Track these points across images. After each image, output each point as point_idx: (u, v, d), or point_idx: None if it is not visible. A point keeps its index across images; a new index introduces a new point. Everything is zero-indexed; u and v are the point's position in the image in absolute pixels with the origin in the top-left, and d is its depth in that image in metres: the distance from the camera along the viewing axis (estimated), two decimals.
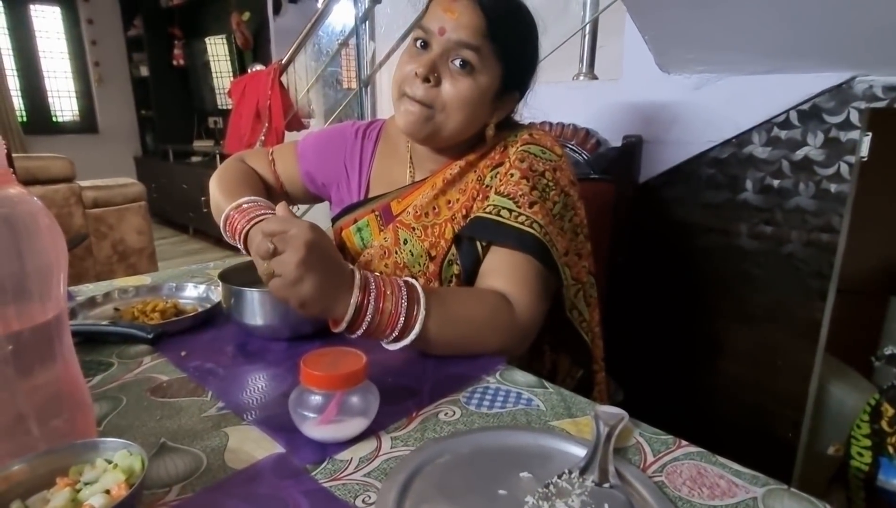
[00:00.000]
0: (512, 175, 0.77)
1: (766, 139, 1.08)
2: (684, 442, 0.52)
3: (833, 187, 1.02)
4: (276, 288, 0.59)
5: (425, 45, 0.77)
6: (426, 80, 0.75)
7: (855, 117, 0.98)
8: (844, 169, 1.00)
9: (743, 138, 1.11)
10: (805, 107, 1.03)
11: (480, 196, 0.81)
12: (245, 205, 0.80)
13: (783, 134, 1.06)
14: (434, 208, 0.83)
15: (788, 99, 1.05)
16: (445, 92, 0.76)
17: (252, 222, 0.78)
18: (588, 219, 0.86)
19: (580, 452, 0.49)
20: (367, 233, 0.89)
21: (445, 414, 0.56)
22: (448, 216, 0.82)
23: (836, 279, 1.07)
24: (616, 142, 1.25)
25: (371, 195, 0.92)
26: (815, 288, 1.08)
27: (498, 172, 0.80)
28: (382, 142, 0.95)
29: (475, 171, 0.83)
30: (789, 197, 1.07)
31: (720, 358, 1.22)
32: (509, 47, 0.76)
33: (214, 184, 0.91)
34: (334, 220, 0.94)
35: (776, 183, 1.08)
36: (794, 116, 1.05)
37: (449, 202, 0.83)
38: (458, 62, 0.75)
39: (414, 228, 0.83)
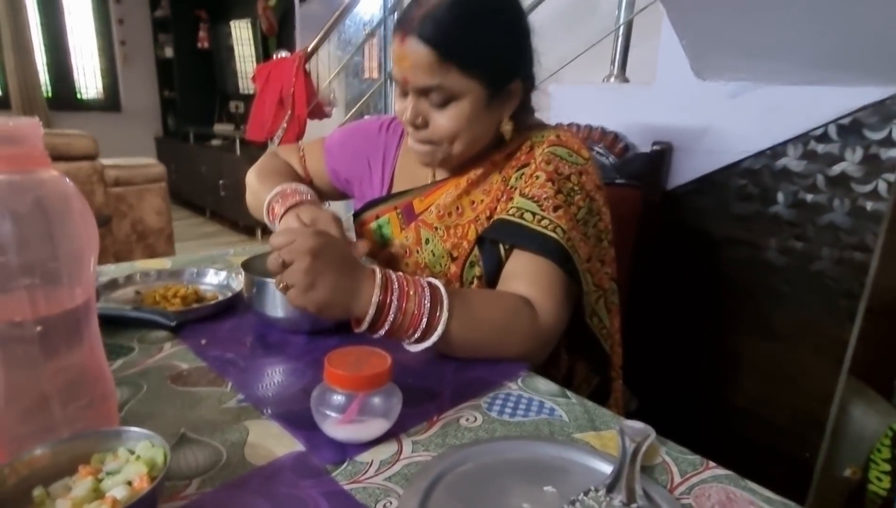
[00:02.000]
0: (537, 177, 0.76)
1: (802, 152, 1.05)
2: (712, 464, 0.50)
3: (869, 205, 0.99)
4: (292, 299, 0.59)
5: (404, 89, 0.75)
6: (415, 125, 0.75)
7: None
8: (882, 187, 0.97)
9: (777, 150, 1.08)
10: (845, 121, 1.00)
11: (505, 197, 0.79)
12: (287, 190, 0.82)
13: (820, 148, 1.03)
14: (458, 208, 0.82)
15: (828, 112, 1.02)
16: (437, 127, 0.74)
17: (287, 207, 0.80)
18: (612, 224, 0.84)
19: (605, 468, 0.48)
20: (388, 231, 0.88)
21: (467, 420, 0.55)
22: (472, 217, 0.81)
23: (866, 299, 1.04)
24: (645, 147, 1.22)
25: (394, 191, 0.91)
26: (843, 307, 1.05)
27: (523, 173, 0.78)
28: (406, 138, 0.94)
29: (500, 172, 0.81)
30: (823, 212, 1.04)
31: (740, 373, 1.20)
32: (476, 57, 0.71)
33: (253, 178, 0.93)
34: (356, 215, 0.93)
35: (810, 197, 1.05)
36: (832, 130, 1.02)
37: (473, 203, 0.82)
38: (434, 97, 0.73)
39: (436, 228, 0.82)
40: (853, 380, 1.16)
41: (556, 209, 0.73)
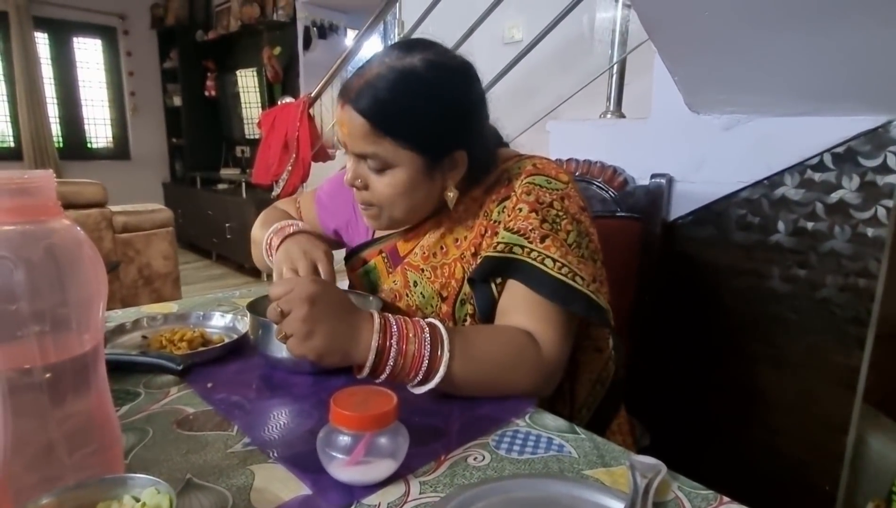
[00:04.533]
0: (520, 209, 0.75)
1: (799, 181, 1.06)
2: (726, 499, 0.49)
3: (870, 231, 0.99)
4: (291, 348, 0.60)
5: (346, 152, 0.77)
6: (354, 186, 0.77)
7: (892, 161, 0.96)
8: (882, 213, 0.98)
9: (774, 180, 1.09)
10: (839, 150, 1.02)
11: (488, 232, 0.79)
12: (282, 225, 0.87)
13: (817, 176, 1.04)
14: (442, 247, 0.82)
15: (822, 141, 1.03)
16: (375, 191, 0.76)
17: (283, 238, 0.84)
18: (615, 256, 0.84)
19: (616, 505, 0.47)
20: (374, 276, 0.89)
21: (475, 459, 0.54)
22: (457, 255, 0.80)
23: (873, 326, 1.03)
24: (644, 180, 1.24)
25: (378, 235, 0.92)
26: (851, 334, 1.04)
27: (505, 206, 0.78)
28: None
29: (481, 207, 0.81)
30: (824, 240, 1.04)
31: (752, 405, 1.18)
32: (410, 133, 0.71)
33: (257, 228, 0.96)
34: (346, 261, 0.95)
35: (810, 225, 1.06)
36: (828, 159, 1.03)
37: (457, 240, 0.81)
38: (370, 165, 0.74)
39: (423, 270, 0.82)
40: (868, 409, 1.14)
41: (543, 239, 0.72)
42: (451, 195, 0.78)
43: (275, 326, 0.70)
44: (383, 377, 0.61)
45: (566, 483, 0.50)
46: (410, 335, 0.62)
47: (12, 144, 5.03)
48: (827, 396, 1.08)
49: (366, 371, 0.61)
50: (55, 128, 5.21)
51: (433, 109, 0.72)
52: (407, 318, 0.64)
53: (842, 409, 1.06)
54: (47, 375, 0.40)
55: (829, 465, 1.09)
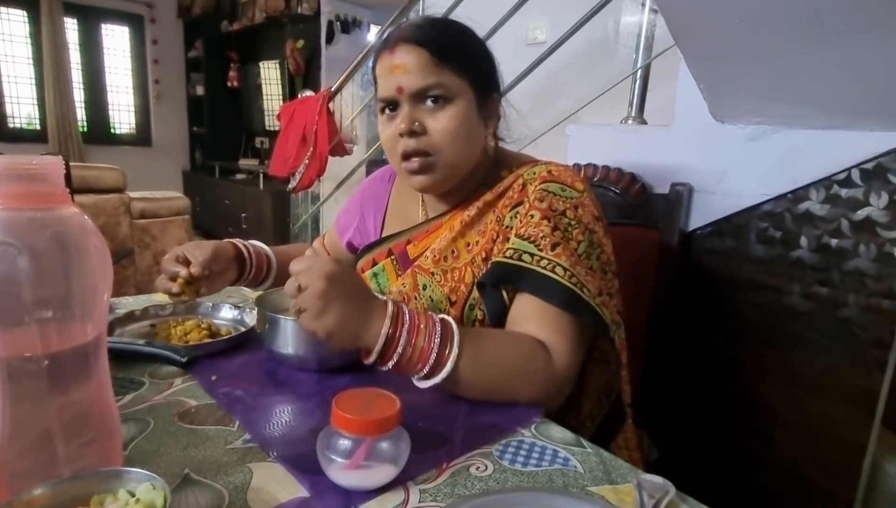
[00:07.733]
0: (532, 216, 0.74)
1: (825, 196, 1.03)
2: None
3: None
4: (303, 323, 0.60)
5: (395, 107, 0.76)
6: (412, 133, 0.75)
7: None
8: None
9: (799, 194, 1.06)
10: (868, 166, 0.98)
11: (500, 237, 0.78)
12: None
13: (843, 192, 1.01)
14: (453, 251, 0.81)
15: (850, 156, 1.00)
16: (434, 132, 0.75)
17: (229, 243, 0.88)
18: (630, 265, 0.82)
19: None
20: (383, 278, 0.88)
21: (477, 468, 0.53)
22: (468, 259, 0.79)
23: None
24: (662, 188, 1.21)
25: (386, 233, 0.91)
26: (872, 356, 1.01)
27: (517, 212, 0.77)
28: (398, 180, 0.96)
29: (494, 212, 0.80)
30: (848, 258, 1.01)
31: (765, 424, 1.15)
32: (465, 59, 0.76)
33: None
34: (355, 262, 0.95)
35: (834, 242, 1.03)
36: (856, 175, 1.00)
37: (468, 245, 0.80)
38: (429, 102, 0.74)
39: (433, 273, 0.81)
40: (887, 434, 1.10)
41: (553, 247, 0.71)
42: (492, 144, 0.81)
43: (282, 321, 0.70)
44: (390, 365, 0.61)
45: (570, 500, 0.49)
46: (421, 327, 0.61)
47: (38, 127, 5.12)
48: (844, 419, 1.04)
49: (373, 357, 0.60)
50: (80, 113, 5.30)
51: (479, 47, 0.81)
52: (421, 311, 0.63)
53: (859, 433, 1.03)
54: (46, 362, 0.40)
55: (843, 490, 1.05)
